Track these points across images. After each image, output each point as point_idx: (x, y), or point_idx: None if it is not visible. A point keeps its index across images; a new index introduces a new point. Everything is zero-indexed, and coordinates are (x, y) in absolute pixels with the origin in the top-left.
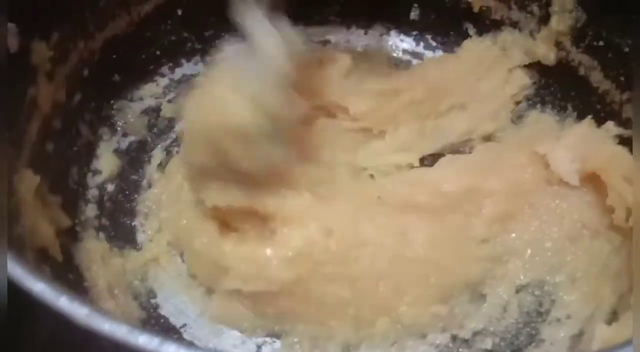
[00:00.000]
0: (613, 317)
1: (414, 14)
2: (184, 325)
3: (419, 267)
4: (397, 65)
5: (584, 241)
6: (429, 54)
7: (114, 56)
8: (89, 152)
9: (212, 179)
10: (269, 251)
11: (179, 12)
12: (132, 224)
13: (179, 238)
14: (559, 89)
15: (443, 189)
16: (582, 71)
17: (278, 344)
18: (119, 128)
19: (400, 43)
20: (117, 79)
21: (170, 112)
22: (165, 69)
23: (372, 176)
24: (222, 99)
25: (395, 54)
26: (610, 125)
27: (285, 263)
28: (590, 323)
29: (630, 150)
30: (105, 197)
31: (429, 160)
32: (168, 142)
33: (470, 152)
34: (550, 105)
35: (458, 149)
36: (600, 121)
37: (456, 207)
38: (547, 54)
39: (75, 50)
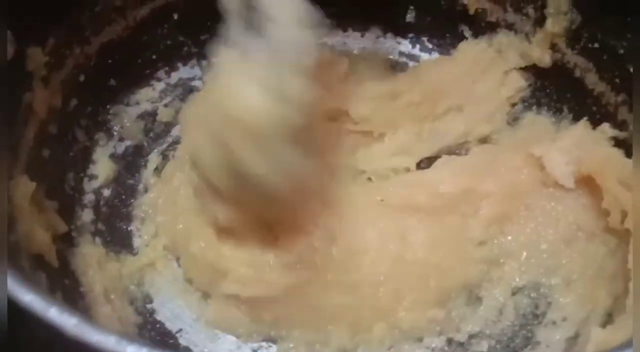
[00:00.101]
0: (608, 319)
1: (410, 17)
2: (180, 330)
3: (418, 270)
4: (394, 67)
5: (579, 243)
6: (425, 56)
7: (110, 61)
8: (85, 157)
9: (218, 191)
10: (269, 256)
11: (175, 16)
12: (129, 228)
13: (175, 242)
14: (554, 91)
15: (440, 190)
16: (577, 73)
17: (274, 349)
18: (115, 133)
19: (397, 45)
20: (113, 83)
21: (167, 116)
22: (161, 73)
23: (370, 179)
24: (231, 89)
25: (391, 57)
26: (605, 127)
27: (286, 269)
28: (585, 325)
29: (626, 153)
30: (102, 202)
31: (425, 162)
32: (164, 146)
33: (466, 154)
34: (546, 107)
35: (454, 151)
36: (595, 123)
37: (453, 208)
38: (543, 57)
39: (71, 55)
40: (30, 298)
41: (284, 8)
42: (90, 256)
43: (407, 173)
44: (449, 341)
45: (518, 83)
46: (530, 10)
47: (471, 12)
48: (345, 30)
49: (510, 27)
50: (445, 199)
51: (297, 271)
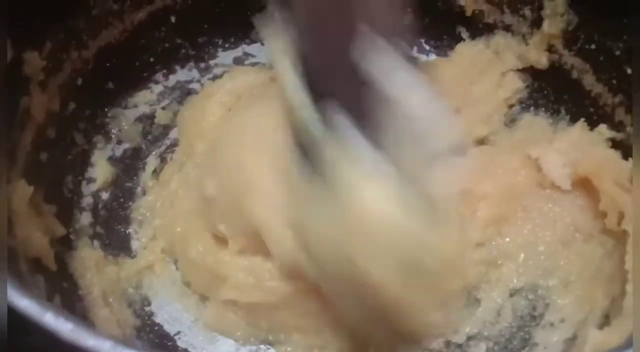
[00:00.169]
0: (605, 320)
1: (407, 19)
2: (178, 332)
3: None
4: None
5: (576, 245)
6: (422, 57)
7: (108, 64)
8: (84, 160)
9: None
10: (270, 264)
11: (173, 19)
12: (127, 231)
13: (173, 245)
14: (551, 92)
15: None
16: (574, 74)
17: (272, 351)
18: (113, 136)
19: None
20: (111, 86)
21: (165, 119)
22: (159, 76)
23: None
24: (371, 213)
25: None
26: (603, 128)
27: (286, 277)
28: (583, 327)
29: (623, 154)
30: (100, 205)
31: None
32: (162, 149)
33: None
34: (543, 109)
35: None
36: (593, 124)
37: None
38: (540, 58)
39: (68, 59)
40: (26, 303)
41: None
42: (88, 259)
43: None
44: (447, 343)
45: (515, 84)
46: (527, 11)
47: (468, 13)
48: None
49: (507, 28)
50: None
51: (297, 280)
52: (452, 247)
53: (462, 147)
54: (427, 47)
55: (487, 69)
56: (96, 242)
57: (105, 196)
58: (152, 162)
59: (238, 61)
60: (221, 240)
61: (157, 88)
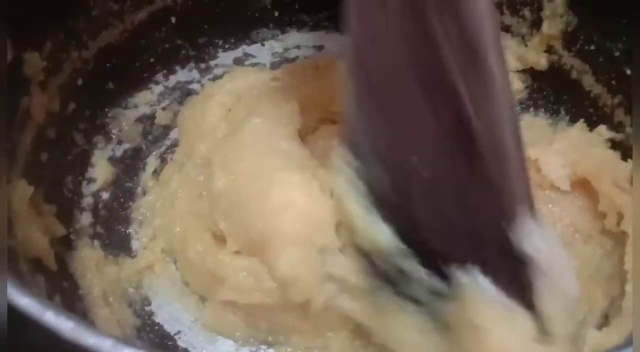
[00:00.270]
0: (604, 321)
1: None
2: (179, 332)
3: None
4: None
5: (576, 246)
6: None
7: (108, 65)
8: (84, 160)
9: None
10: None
11: (173, 19)
12: (127, 231)
13: (172, 246)
14: (551, 93)
15: None
16: (574, 75)
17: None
18: (113, 136)
19: None
20: (112, 87)
21: (165, 119)
22: (159, 77)
23: None
24: None
25: None
26: (602, 129)
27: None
28: (582, 327)
29: (622, 155)
30: (100, 205)
31: None
32: (163, 149)
33: None
34: (542, 109)
35: None
36: (592, 125)
37: None
38: (539, 59)
39: (68, 60)
40: (26, 302)
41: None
42: (88, 259)
43: None
44: None
45: (515, 85)
46: (526, 12)
47: None
48: (343, 33)
49: (506, 29)
50: None
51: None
52: None
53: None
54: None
55: None
56: (96, 242)
57: (105, 196)
58: (152, 162)
59: (238, 62)
60: (220, 240)
61: (158, 88)
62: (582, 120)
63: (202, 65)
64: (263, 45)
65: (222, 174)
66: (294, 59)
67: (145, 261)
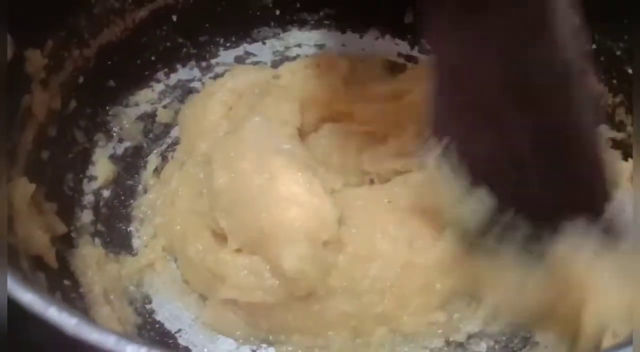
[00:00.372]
0: None
1: (408, 18)
2: (179, 330)
3: (425, 275)
4: (392, 69)
5: None
6: (423, 57)
7: (109, 62)
8: (85, 158)
9: None
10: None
11: (174, 18)
12: (128, 229)
13: (172, 244)
14: None
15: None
16: None
17: (272, 350)
18: (114, 134)
19: (395, 47)
20: (112, 85)
21: (166, 117)
22: (160, 75)
23: (372, 181)
24: None
25: (390, 58)
26: (603, 128)
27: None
28: None
29: (623, 154)
30: (101, 203)
31: None
32: (164, 147)
33: None
34: None
35: None
36: None
37: None
38: None
39: (70, 57)
40: (29, 298)
41: None
42: (89, 257)
43: (409, 174)
44: (448, 342)
45: None
46: None
47: None
48: (344, 32)
49: None
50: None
51: (299, 280)
52: None
53: None
54: (429, 47)
55: None
56: (97, 240)
57: (106, 193)
58: (153, 160)
59: (239, 60)
60: (221, 239)
61: (159, 87)
62: None
63: (203, 64)
64: (264, 43)
65: (222, 172)
66: (295, 58)
67: (146, 259)
